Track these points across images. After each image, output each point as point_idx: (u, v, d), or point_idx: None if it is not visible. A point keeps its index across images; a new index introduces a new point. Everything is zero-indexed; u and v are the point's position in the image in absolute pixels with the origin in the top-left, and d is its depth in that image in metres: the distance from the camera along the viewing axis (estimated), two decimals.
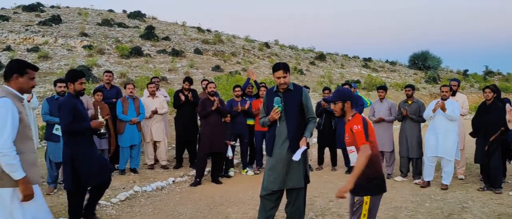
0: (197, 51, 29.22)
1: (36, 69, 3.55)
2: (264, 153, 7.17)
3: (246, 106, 8.16)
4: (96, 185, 5.10)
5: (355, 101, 3.83)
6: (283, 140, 4.39)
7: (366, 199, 3.63)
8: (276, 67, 4.43)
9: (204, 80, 9.21)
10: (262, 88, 8.42)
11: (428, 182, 7.24)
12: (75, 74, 4.98)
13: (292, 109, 4.43)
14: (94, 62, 21.17)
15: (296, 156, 4.20)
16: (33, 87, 3.56)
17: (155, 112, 8.50)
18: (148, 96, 8.66)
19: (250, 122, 8.41)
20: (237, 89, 8.48)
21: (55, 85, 6.90)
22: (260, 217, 4.57)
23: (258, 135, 8.31)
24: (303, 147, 4.24)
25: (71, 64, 20.57)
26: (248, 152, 8.65)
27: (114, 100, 8.17)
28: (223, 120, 7.69)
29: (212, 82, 7.91)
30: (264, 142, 7.98)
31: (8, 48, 23.05)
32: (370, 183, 3.63)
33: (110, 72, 8.68)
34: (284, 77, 4.36)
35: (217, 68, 24.88)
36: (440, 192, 6.84)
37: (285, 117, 4.40)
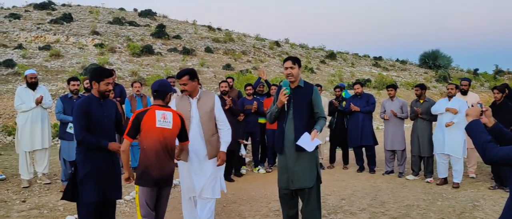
0: (208, 50, 29.34)
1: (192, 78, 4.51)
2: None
3: (253, 108, 8.20)
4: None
5: (161, 94, 4.03)
6: (291, 139, 4.24)
7: (136, 189, 4.03)
8: (285, 59, 4.43)
9: (228, 77, 9.15)
10: (273, 87, 8.43)
11: (445, 179, 7.25)
12: (102, 73, 4.13)
13: (301, 107, 4.28)
14: (105, 60, 21.35)
15: (309, 147, 4.10)
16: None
17: None
18: None
19: (261, 120, 8.42)
20: (248, 87, 8.52)
21: (68, 83, 6.95)
22: (283, 218, 4.54)
23: (269, 133, 8.32)
24: (316, 140, 4.12)
25: (83, 63, 20.75)
26: (260, 151, 8.69)
27: (118, 99, 7.85)
28: (237, 118, 7.71)
29: (224, 81, 7.92)
30: None
31: (20, 46, 23.23)
32: (140, 175, 3.98)
33: (112, 70, 8.48)
34: (292, 67, 4.27)
35: (227, 66, 24.98)
36: (451, 191, 6.85)
37: (293, 115, 4.26)
